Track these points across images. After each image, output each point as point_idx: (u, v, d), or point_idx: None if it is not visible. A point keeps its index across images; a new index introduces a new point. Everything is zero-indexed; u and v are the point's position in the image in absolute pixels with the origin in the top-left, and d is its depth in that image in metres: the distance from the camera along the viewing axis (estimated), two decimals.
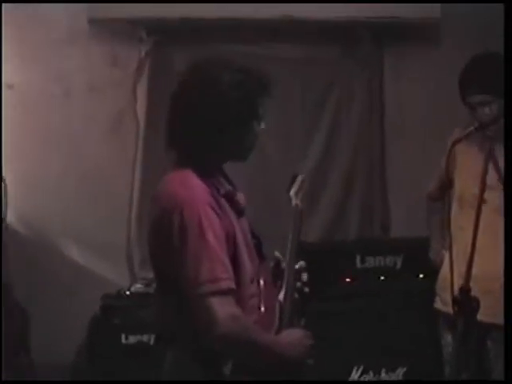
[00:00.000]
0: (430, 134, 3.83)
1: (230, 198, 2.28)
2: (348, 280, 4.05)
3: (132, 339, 3.83)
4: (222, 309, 2.06)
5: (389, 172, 4.58)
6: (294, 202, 2.59)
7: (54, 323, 4.21)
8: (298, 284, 2.42)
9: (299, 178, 2.65)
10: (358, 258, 4.07)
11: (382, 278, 4.08)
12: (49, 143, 4.34)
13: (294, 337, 2.27)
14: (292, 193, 2.61)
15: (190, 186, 2.16)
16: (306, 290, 2.45)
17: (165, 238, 2.14)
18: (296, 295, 2.40)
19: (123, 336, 3.83)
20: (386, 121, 4.58)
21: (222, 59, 2.29)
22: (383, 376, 3.97)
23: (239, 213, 2.31)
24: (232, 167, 2.35)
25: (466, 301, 2.31)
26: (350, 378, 3.94)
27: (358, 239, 4.51)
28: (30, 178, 4.29)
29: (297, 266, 2.44)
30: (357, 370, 3.95)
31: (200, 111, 2.21)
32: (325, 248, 4.21)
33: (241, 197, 2.36)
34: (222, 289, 2.08)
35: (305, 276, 2.45)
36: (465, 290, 2.30)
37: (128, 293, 4.00)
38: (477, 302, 2.31)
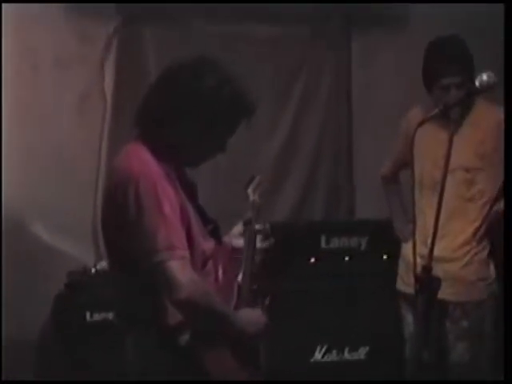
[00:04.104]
0: (397, 117, 3.84)
1: (183, 181, 2.31)
2: (313, 260, 4.09)
3: (97, 317, 3.82)
4: (183, 273, 2.11)
5: (355, 154, 4.60)
6: (251, 198, 2.66)
7: (19, 300, 4.15)
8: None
9: (257, 179, 2.73)
10: (323, 239, 4.10)
11: (347, 258, 4.12)
12: (15, 117, 4.26)
13: (251, 315, 2.34)
14: (250, 190, 2.69)
15: (146, 160, 2.19)
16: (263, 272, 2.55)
17: (120, 210, 2.16)
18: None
19: (88, 314, 3.81)
20: (353, 103, 4.60)
21: (223, 69, 2.29)
22: (346, 355, 4.01)
23: (192, 196, 2.33)
24: None
25: (427, 279, 2.33)
26: (314, 357, 3.98)
27: (323, 220, 4.55)
28: None
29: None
30: (320, 349, 3.99)
31: (180, 105, 2.22)
32: (290, 228, 4.21)
33: (193, 181, 2.40)
34: (179, 256, 2.12)
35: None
36: (427, 268, 2.32)
37: (93, 270, 3.98)
38: (438, 280, 2.34)
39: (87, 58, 4.31)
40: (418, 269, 2.35)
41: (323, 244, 4.10)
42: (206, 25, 4.33)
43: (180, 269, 2.11)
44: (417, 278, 2.34)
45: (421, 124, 2.34)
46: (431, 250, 2.37)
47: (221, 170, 4.16)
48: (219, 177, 4.24)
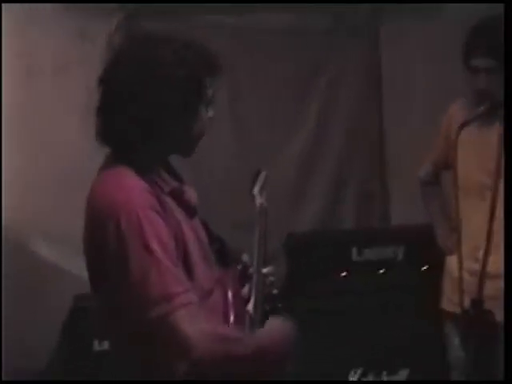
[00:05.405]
0: (432, 111, 3.49)
1: (178, 196, 1.95)
2: (343, 274, 3.75)
3: (106, 345, 3.43)
4: (191, 326, 1.72)
5: (388, 155, 4.23)
6: (258, 201, 2.34)
7: (25, 326, 3.86)
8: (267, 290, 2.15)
9: (262, 175, 2.42)
10: (355, 250, 3.77)
11: (382, 271, 3.77)
12: (13, 128, 3.94)
13: (274, 330, 1.96)
14: (256, 191, 2.38)
15: (127, 187, 1.83)
16: (275, 291, 2.18)
17: (100, 250, 1.79)
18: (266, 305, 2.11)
19: (96, 342, 3.49)
20: (383, 98, 4.22)
21: (163, 34, 1.96)
22: (384, 379, 3.67)
23: (190, 213, 1.98)
24: None
25: (478, 315, 1.95)
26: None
27: (354, 229, 4.20)
28: None
29: (265, 271, 2.16)
30: (355, 373, 3.66)
31: (135, 95, 1.86)
32: (317, 239, 3.90)
33: (191, 193, 2.03)
34: (180, 303, 1.74)
35: (272, 280, 2.18)
36: (477, 302, 1.94)
37: None
38: (491, 315, 1.96)
39: (88, 58, 3.96)
40: (466, 287, 2.05)
41: (354, 256, 3.76)
42: (214, 18, 3.99)
43: (186, 321, 1.71)
44: (465, 314, 1.97)
45: (463, 126, 2.03)
46: (482, 275, 2.00)
47: (233, 177, 3.81)
48: (231, 184, 3.87)
